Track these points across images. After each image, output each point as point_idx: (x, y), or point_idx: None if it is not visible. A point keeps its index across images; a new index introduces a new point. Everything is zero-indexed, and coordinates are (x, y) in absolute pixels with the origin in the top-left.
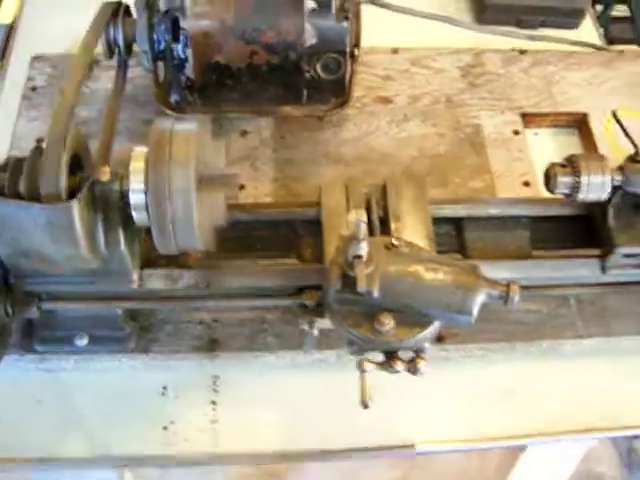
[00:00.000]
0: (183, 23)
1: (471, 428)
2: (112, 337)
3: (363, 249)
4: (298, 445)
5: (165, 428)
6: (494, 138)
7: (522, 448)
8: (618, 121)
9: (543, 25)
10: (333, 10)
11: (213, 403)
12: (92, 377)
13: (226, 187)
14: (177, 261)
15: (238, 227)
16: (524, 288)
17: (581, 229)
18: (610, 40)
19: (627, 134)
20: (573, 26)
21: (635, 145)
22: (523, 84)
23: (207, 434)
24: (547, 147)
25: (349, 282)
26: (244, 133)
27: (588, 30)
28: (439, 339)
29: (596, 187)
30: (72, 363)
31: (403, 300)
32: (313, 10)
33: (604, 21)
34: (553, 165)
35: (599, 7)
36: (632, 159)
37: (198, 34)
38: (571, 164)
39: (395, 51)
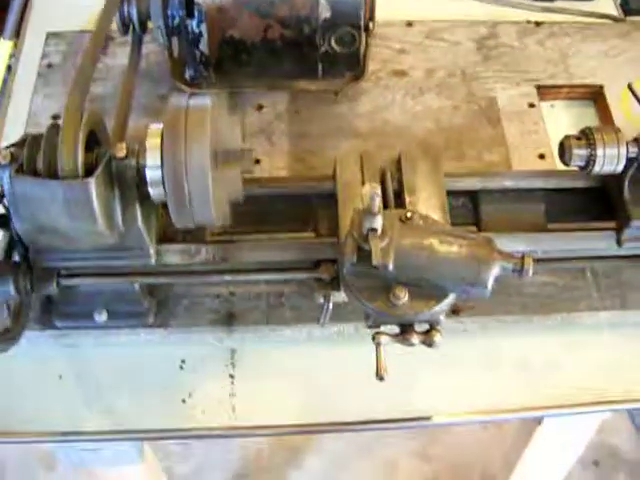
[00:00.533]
0: None
1: (487, 400)
2: (130, 312)
3: (377, 222)
4: (315, 418)
5: (184, 401)
6: (509, 110)
7: (539, 421)
8: (634, 93)
9: None
10: None
11: (231, 376)
12: (111, 351)
13: (242, 162)
14: (194, 236)
15: (254, 201)
16: (539, 261)
17: (596, 201)
18: (628, 11)
19: None
20: None
21: None
22: (538, 56)
23: (225, 407)
24: (563, 119)
25: (364, 255)
26: (259, 107)
27: (605, 1)
28: (455, 311)
29: (611, 159)
30: (92, 338)
31: (418, 273)
32: None
33: None
34: (568, 137)
35: None
36: None
37: (212, 9)
38: (586, 136)
39: (410, 24)
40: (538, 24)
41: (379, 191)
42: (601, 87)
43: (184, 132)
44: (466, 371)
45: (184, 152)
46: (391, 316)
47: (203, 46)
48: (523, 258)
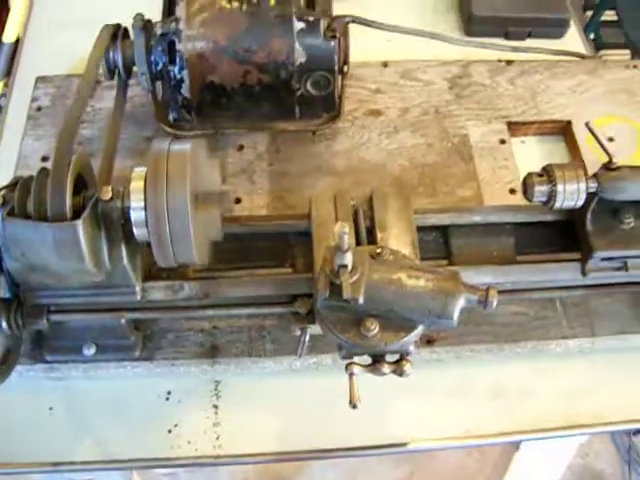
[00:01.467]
0: (179, 46)
1: (463, 426)
2: (118, 346)
3: (347, 259)
4: (296, 445)
5: (170, 431)
6: (481, 147)
7: (516, 446)
8: (591, 131)
9: (530, 36)
10: (321, 30)
11: (215, 407)
12: (100, 384)
13: (221, 203)
14: (177, 273)
15: (234, 239)
16: (509, 292)
17: (564, 234)
18: (601, 45)
19: (600, 143)
20: (559, 36)
21: (608, 154)
22: (509, 94)
23: (209, 436)
24: (534, 154)
25: (336, 290)
26: (241, 148)
27: (574, 39)
28: (429, 342)
29: (571, 195)
30: (81, 371)
31: (387, 306)
32: (302, 30)
33: (594, 26)
34: (530, 175)
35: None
36: (606, 167)
37: (193, 56)
38: (547, 173)
39: (385, 65)
40: (509, 63)
41: (348, 229)
42: (569, 122)
43: (166, 176)
44: (441, 399)
45: (165, 195)
46: (362, 347)
47: (185, 91)
48: (488, 290)
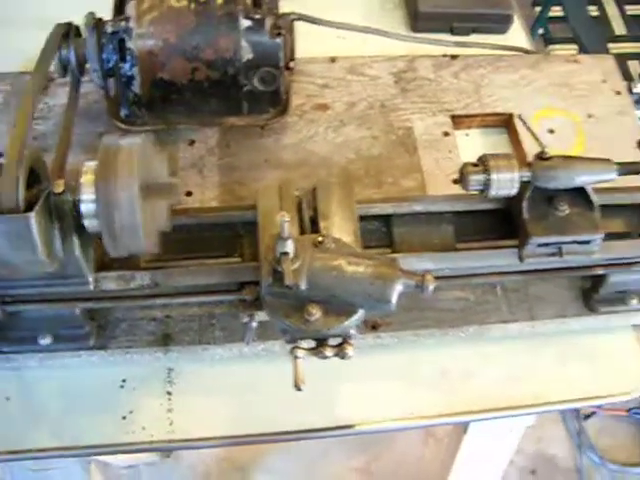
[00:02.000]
0: (129, 44)
1: (408, 408)
2: (73, 335)
3: (289, 246)
4: (248, 429)
5: (124, 418)
6: (425, 139)
7: (464, 429)
8: (524, 123)
9: (475, 31)
10: (267, 27)
11: (168, 393)
12: (56, 373)
13: (169, 195)
14: (130, 263)
15: (185, 230)
16: (450, 278)
17: (502, 222)
18: (550, 40)
19: (533, 134)
20: (503, 31)
21: (541, 144)
22: (453, 88)
23: (163, 422)
24: (477, 146)
25: (278, 277)
26: (192, 142)
27: (517, 35)
28: (374, 327)
29: (505, 183)
30: (37, 361)
31: (328, 291)
32: (248, 28)
33: (543, 21)
34: (466, 165)
35: (538, 8)
36: (539, 157)
37: (143, 53)
38: (482, 163)
39: (333, 60)
40: (453, 57)
41: (288, 218)
42: (511, 115)
43: (115, 169)
44: (387, 383)
45: (115, 187)
46: (305, 331)
47: (135, 87)
48: (424, 275)
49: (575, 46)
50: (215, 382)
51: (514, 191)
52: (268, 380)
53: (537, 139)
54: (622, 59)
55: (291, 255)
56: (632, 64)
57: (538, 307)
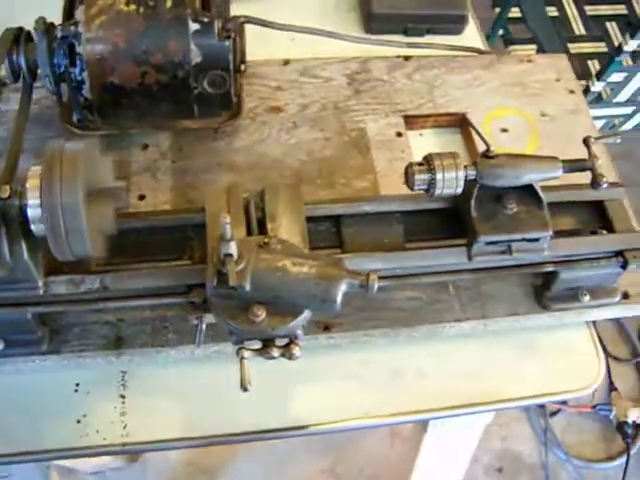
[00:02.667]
0: (78, 48)
1: (362, 408)
2: (26, 340)
3: (232, 248)
4: (202, 431)
5: (79, 422)
6: (378, 140)
7: (424, 428)
8: (470, 124)
9: (429, 32)
10: (215, 30)
11: (122, 397)
12: (9, 379)
13: (114, 198)
14: (80, 267)
15: (136, 234)
16: (401, 277)
17: (453, 221)
18: (510, 41)
19: (479, 134)
20: (457, 32)
21: (486, 143)
22: (407, 88)
23: (117, 425)
24: (431, 146)
25: (223, 278)
26: (145, 147)
27: (472, 35)
28: (326, 328)
29: (450, 183)
30: None
31: (273, 292)
32: (197, 31)
33: (502, 22)
34: (411, 164)
35: (498, 9)
36: (485, 155)
37: (92, 58)
38: (427, 162)
39: (286, 62)
40: (407, 59)
41: (229, 220)
42: (464, 115)
43: (59, 174)
44: (341, 383)
45: (59, 192)
46: (251, 332)
47: (86, 92)
48: (368, 275)
49: (534, 46)
50: (169, 384)
51: (459, 190)
52: (221, 382)
53: (483, 138)
54: (582, 59)
55: (235, 257)
56: (592, 63)
57: (490, 305)
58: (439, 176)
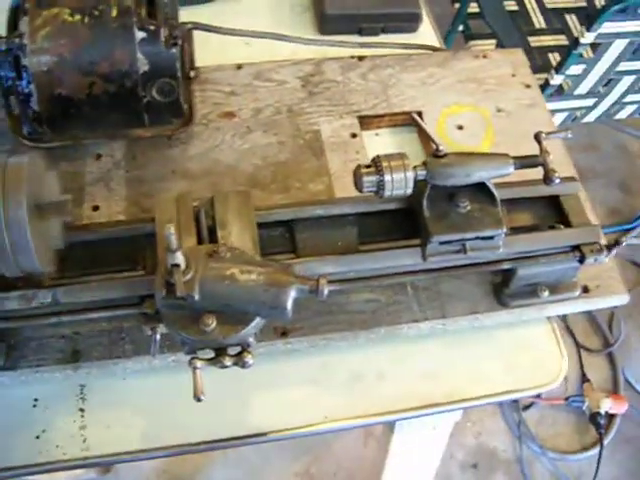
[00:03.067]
0: (24, 60)
1: (321, 413)
2: None
3: (178, 258)
4: (162, 442)
5: (38, 437)
6: (332, 142)
7: (391, 429)
8: (417, 122)
9: (384, 31)
10: (162, 38)
11: (81, 410)
12: None
13: (61, 212)
14: (33, 282)
15: (89, 246)
16: (357, 280)
17: (407, 221)
18: (470, 36)
19: (426, 132)
20: (412, 30)
21: (435, 142)
22: (361, 89)
23: (77, 439)
24: (387, 146)
25: (172, 289)
26: (98, 156)
27: (427, 33)
28: (283, 333)
29: (399, 183)
30: None
31: (222, 301)
32: (143, 39)
33: (462, 18)
34: (359, 166)
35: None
36: (434, 155)
37: (38, 70)
38: (375, 164)
39: (239, 67)
40: (361, 58)
41: (173, 230)
42: (420, 113)
43: (2, 188)
44: (300, 388)
45: (2, 207)
46: (203, 342)
47: (34, 104)
48: (318, 280)
49: (494, 41)
50: (128, 396)
51: (409, 191)
52: (181, 391)
53: (430, 137)
54: (543, 52)
55: (183, 266)
56: (553, 56)
57: (449, 305)
58: (387, 178)
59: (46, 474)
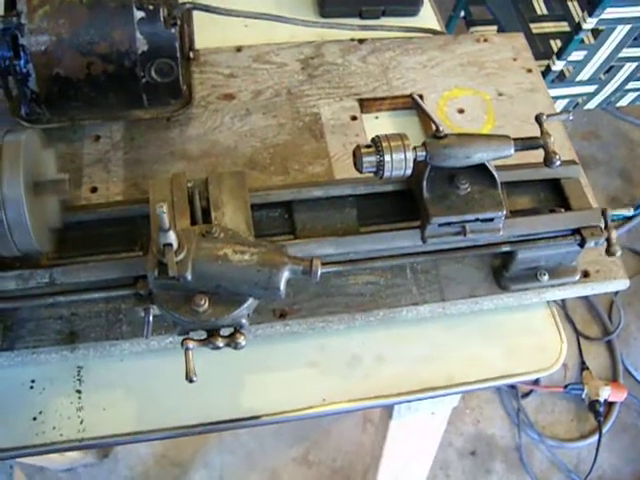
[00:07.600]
0: (22, 40)
1: (320, 395)
2: None
3: (171, 237)
4: (158, 424)
5: (35, 419)
6: (332, 124)
7: (389, 414)
8: (417, 103)
9: (385, 14)
10: (161, 18)
11: (78, 392)
12: None
13: (58, 191)
14: (31, 262)
15: (88, 226)
16: (356, 262)
17: (407, 203)
18: (471, 22)
19: (427, 113)
20: (413, 14)
21: (435, 123)
22: (361, 72)
23: (74, 421)
24: (388, 129)
25: (164, 269)
26: (97, 138)
27: (428, 16)
28: (282, 315)
29: (399, 164)
30: None
31: (215, 281)
32: (142, 19)
33: (463, 4)
34: (359, 147)
35: None
36: (434, 136)
37: (36, 50)
38: (375, 144)
39: (239, 49)
40: (361, 41)
41: (165, 209)
42: (420, 96)
43: None
44: (298, 370)
45: (0, 184)
46: (195, 323)
47: (32, 84)
48: (312, 261)
49: (495, 27)
50: (125, 378)
51: (409, 172)
52: (179, 373)
53: (431, 118)
54: (545, 38)
55: (175, 246)
56: (555, 43)
57: (449, 288)
58: (387, 158)
59: (45, 459)
